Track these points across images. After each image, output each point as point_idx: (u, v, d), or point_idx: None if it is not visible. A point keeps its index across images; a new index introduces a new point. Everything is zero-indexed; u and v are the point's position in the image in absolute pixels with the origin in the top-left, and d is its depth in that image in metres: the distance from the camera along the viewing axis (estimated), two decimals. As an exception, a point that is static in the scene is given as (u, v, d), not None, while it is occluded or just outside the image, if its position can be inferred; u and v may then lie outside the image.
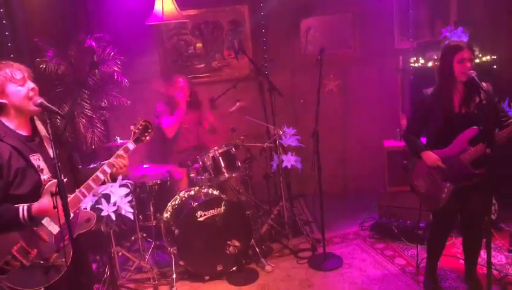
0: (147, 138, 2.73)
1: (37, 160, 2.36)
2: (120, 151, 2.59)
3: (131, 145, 2.66)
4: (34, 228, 2.30)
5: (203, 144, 4.64)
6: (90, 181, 2.47)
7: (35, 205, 2.26)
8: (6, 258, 2.20)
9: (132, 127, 2.71)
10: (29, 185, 2.30)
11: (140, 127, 2.71)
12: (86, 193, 2.45)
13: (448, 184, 3.02)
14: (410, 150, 3.25)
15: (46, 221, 2.34)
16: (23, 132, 2.38)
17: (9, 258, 2.20)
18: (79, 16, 4.90)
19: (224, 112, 4.45)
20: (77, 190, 2.43)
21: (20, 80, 2.31)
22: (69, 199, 2.27)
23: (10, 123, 2.35)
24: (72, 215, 2.21)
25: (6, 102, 2.31)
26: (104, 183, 2.60)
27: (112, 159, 2.56)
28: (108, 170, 2.53)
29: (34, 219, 2.27)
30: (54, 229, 2.36)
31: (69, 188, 2.42)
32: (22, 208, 2.23)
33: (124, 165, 2.59)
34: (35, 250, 2.28)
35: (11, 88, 2.30)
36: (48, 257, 2.31)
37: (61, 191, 2.12)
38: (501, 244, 3.82)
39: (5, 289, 2.19)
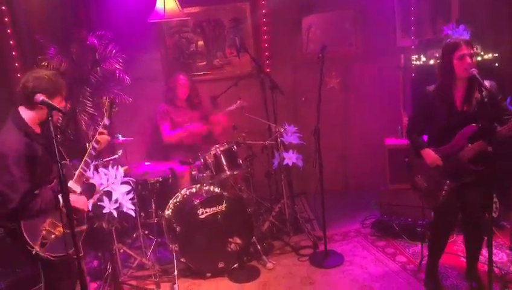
0: (116, 109, 3.22)
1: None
2: (100, 129, 3.06)
3: (107, 121, 3.13)
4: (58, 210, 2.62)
5: (204, 143, 4.66)
6: (86, 157, 2.84)
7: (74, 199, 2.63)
8: (42, 233, 2.54)
9: (102, 107, 3.19)
10: (51, 176, 2.68)
11: (108, 104, 3.17)
12: (85, 168, 2.85)
13: (448, 181, 3.03)
14: (412, 147, 3.25)
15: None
16: (35, 129, 2.63)
17: (44, 233, 2.54)
18: (80, 13, 4.90)
19: (225, 110, 4.46)
20: (79, 168, 2.82)
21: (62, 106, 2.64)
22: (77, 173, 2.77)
23: (30, 122, 2.60)
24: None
25: (38, 108, 2.53)
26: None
27: (96, 136, 2.98)
28: (96, 146, 2.93)
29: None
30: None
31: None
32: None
33: (107, 140, 3.07)
34: (61, 223, 2.59)
35: (58, 100, 2.62)
36: (72, 227, 2.58)
37: (63, 189, 2.26)
38: (502, 242, 3.83)
39: (47, 257, 2.57)
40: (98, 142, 2.97)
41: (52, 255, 2.57)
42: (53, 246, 2.57)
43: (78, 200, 2.73)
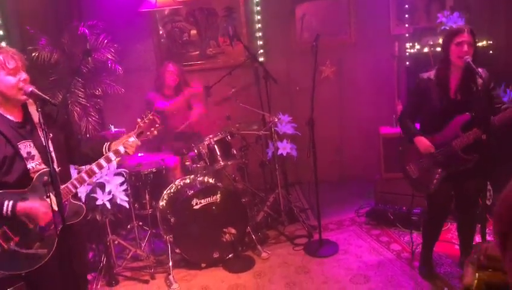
0: (154, 132, 2.62)
1: (27, 147, 2.35)
2: (120, 148, 2.53)
3: (133, 139, 2.57)
4: (21, 216, 2.31)
5: (193, 131, 4.62)
6: (83, 173, 2.45)
7: (22, 205, 2.27)
8: None
9: (138, 120, 2.60)
10: (16, 173, 2.31)
11: (147, 121, 2.59)
12: (77, 184, 2.44)
13: (439, 170, 3.03)
14: (404, 134, 3.24)
15: None
16: (14, 118, 2.36)
17: None
18: (71, 3, 4.84)
19: (219, 99, 4.43)
20: (69, 182, 2.41)
21: (12, 69, 2.27)
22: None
23: (1, 108, 2.33)
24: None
25: None
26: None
27: (108, 154, 2.51)
28: (105, 164, 2.51)
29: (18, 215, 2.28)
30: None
31: (63, 176, 2.42)
32: (7, 205, 2.24)
33: (136, 145, 2.57)
34: (18, 237, 2.29)
35: (1, 75, 2.26)
36: (31, 245, 2.32)
37: (55, 183, 2.15)
38: (496, 229, 3.84)
39: None
40: (117, 153, 2.50)
41: None
42: None
43: (34, 206, 2.30)
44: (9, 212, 2.23)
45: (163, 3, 4.13)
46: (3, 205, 2.23)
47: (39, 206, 2.30)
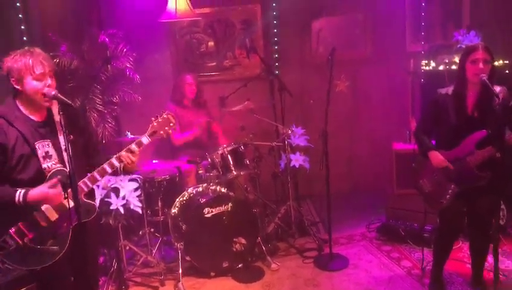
0: (169, 131, 2.62)
1: (46, 146, 2.41)
2: (132, 146, 2.57)
3: (145, 139, 2.59)
4: (34, 213, 2.36)
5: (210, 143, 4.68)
6: (95, 173, 2.50)
7: (32, 192, 2.32)
8: (4, 237, 2.30)
9: (152, 119, 2.61)
10: (32, 171, 2.37)
11: (160, 120, 2.60)
12: (89, 183, 2.49)
13: (452, 185, 3.03)
14: (419, 149, 3.25)
15: (45, 207, 2.39)
16: (35, 118, 2.43)
17: (7, 237, 2.30)
18: (93, 11, 4.94)
19: (232, 109, 4.47)
20: (81, 181, 2.45)
21: (39, 74, 2.33)
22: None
23: (24, 108, 2.40)
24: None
25: (21, 89, 2.36)
26: (115, 174, 2.64)
27: (121, 153, 2.56)
28: (116, 163, 2.54)
29: (31, 204, 2.33)
30: (53, 215, 2.41)
31: (80, 176, 2.47)
32: (19, 193, 2.30)
33: (132, 161, 2.56)
34: (32, 234, 2.35)
35: (28, 79, 2.33)
36: (44, 241, 2.38)
37: (72, 182, 2.18)
38: (509, 249, 3.80)
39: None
40: (120, 160, 2.53)
41: (8, 262, 2.34)
42: (12, 254, 2.32)
43: (44, 190, 2.33)
44: (21, 198, 2.29)
45: (183, 15, 4.19)
46: (16, 192, 2.29)
47: (48, 189, 2.34)
